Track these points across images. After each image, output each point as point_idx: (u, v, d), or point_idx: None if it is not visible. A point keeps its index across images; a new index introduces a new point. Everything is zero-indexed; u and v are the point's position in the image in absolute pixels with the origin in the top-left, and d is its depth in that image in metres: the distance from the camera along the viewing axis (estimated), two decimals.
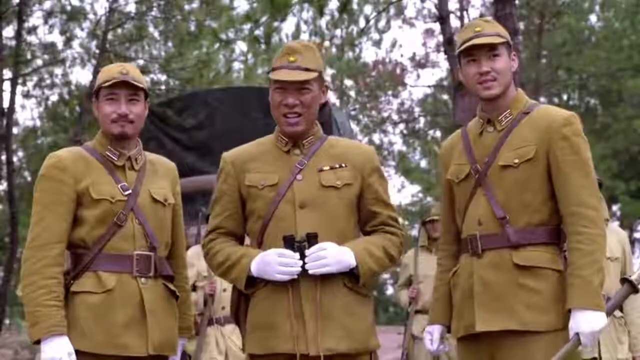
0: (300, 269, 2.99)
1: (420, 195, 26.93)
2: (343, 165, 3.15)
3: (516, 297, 3.00)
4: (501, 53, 3.12)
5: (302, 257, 3.00)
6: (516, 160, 3.05)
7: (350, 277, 3.06)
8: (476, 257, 3.09)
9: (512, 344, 3.00)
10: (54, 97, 18.12)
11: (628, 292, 3.15)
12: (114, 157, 3.22)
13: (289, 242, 3.00)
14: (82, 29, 16.76)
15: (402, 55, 31.23)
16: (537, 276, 3.01)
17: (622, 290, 3.16)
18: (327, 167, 3.14)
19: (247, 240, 3.27)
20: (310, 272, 2.99)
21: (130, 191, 3.19)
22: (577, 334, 2.92)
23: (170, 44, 17.34)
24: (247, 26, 14.04)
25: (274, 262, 2.99)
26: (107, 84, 3.17)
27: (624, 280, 3.16)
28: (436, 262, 3.42)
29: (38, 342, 3.04)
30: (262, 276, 3.04)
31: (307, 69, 3.09)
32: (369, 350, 3.11)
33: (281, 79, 3.08)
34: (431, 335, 3.28)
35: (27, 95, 18.24)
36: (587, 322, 2.90)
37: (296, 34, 19.65)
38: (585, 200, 2.99)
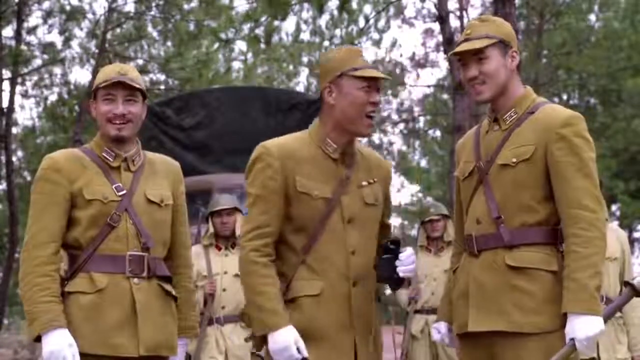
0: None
1: (420, 195, 26.95)
2: (374, 180, 3.14)
3: (508, 298, 2.97)
4: (489, 55, 3.05)
5: (394, 259, 3.06)
6: (514, 160, 3.02)
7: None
8: (473, 257, 3.07)
9: (505, 344, 2.98)
10: (53, 97, 18.16)
11: (630, 296, 3.08)
12: (109, 159, 3.22)
13: (389, 248, 3.07)
14: (81, 29, 16.82)
15: (401, 55, 31.21)
16: (530, 277, 2.97)
17: (624, 294, 3.10)
18: (365, 183, 3.11)
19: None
20: (401, 275, 3.06)
21: (124, 192, 3.18)
22: (572, 339, 2.86)
23: (169, 43, 17.36)
24: (247, 25, 14.04)
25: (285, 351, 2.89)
26: (104, 84, 3.16)
27: (626, 284, 3.09)
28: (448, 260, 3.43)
29: (39, 339, 3.04)
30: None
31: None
32: None
33: (373, 75, 2.99)
34: (438, 330, 3.30)
35: (26, 95, 18.27)
36: (582, 327, 2.84)
37: (296, 34, 19.66)
38: (583, 202, 2.93)
